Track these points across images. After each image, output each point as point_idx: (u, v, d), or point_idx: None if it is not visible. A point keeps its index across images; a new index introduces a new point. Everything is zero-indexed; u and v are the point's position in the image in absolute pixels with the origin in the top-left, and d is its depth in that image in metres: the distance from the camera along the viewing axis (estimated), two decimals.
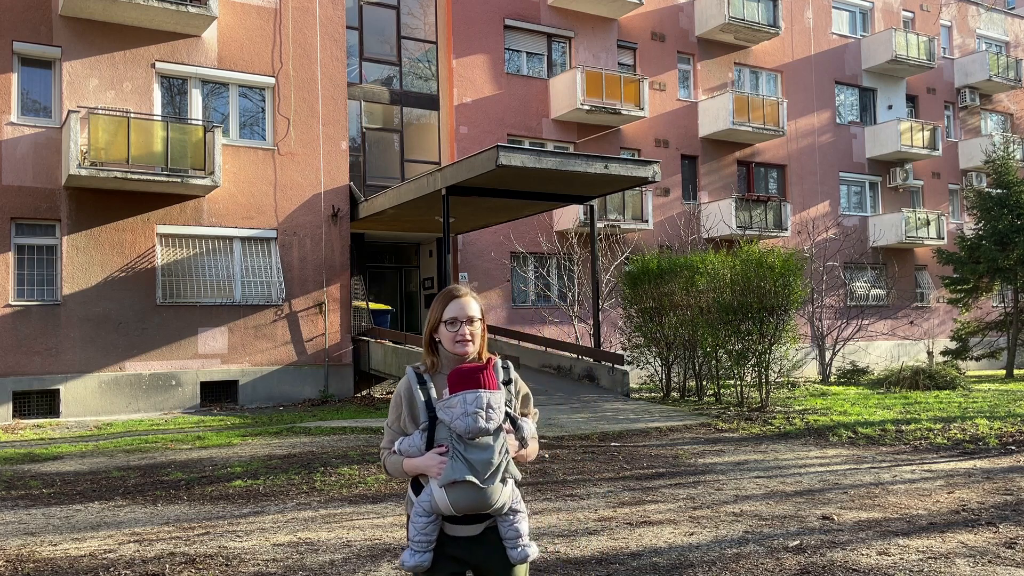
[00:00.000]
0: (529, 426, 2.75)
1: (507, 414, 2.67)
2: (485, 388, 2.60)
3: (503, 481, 2.63)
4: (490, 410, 2.59)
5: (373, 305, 19.19)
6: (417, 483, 2.72)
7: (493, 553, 2.69)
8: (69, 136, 14.70)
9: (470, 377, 2.61)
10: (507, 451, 2.63)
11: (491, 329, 18.25)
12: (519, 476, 2.70)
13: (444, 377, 2.69)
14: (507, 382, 2.74)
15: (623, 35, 23.23)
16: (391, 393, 18.70)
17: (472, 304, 2.74)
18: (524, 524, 2.71)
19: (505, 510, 2.67)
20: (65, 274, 15.47)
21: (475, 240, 20.57)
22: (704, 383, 16.47)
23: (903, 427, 11.49)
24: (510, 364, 2.80)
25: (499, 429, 2.62)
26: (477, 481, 2.56)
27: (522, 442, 2.71)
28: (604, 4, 22.17)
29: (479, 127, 20.89)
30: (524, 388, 2.84)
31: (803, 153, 26.26)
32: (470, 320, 2.72)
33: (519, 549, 2.68)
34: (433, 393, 2.69)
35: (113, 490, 8.19)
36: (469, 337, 2.71)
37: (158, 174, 15.32)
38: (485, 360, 2.74)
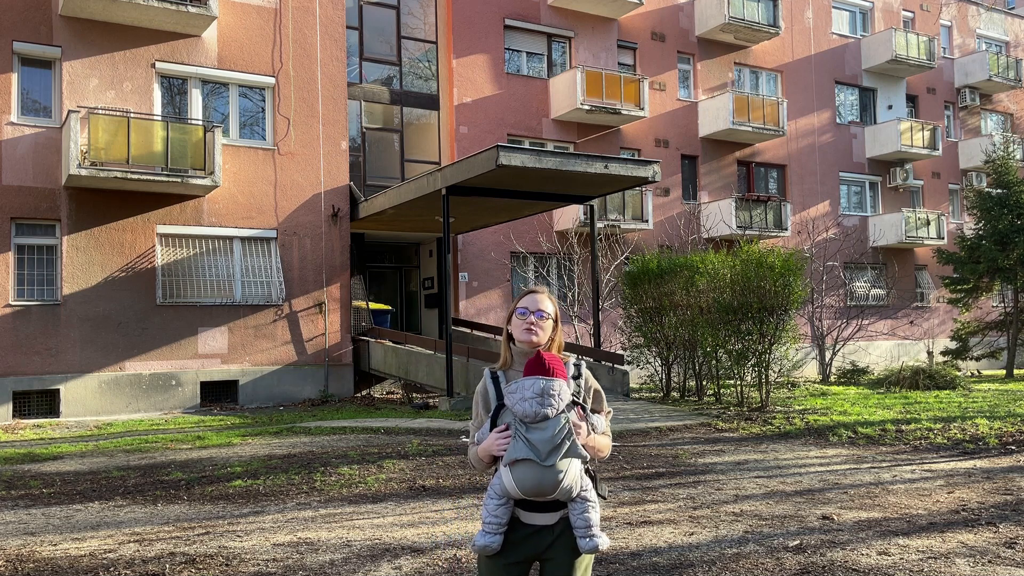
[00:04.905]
0: (600, 421, 2.87)
1: (574, 402, 2.78)
2: (549, 376, 2.74)
3: (566, 460, 2.70)
4: (548, 396, 2.71)
5: (373, 305, 19.18)
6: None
7: (562, 542, 2.77)
8: (69, 136, 14.70)
9: (536, 366, 2.77)
10: (569, 432, 2.72)
11: (492, 329, 18.25)
12: (587, 455, 2.76)
13: (514, 372, 2.86)
14: (576, 377, 2.86)
15: (623, 35, 23.23)
16: (391, 393, 18.73)
17: (545, 301, 2.92)
18: (594, 514, 2.77)
19: (573, 495, 2.74)
20: (65, 274, 15.47)
21: (475, 240, 20.56)
22: (704, 383, 16.47)
23: (903, 427, 11.49)
24: (582, 362, 2.94)
25: (560, 413, 2.73)
26: (537, 459, 2.67)
27: (592, 428, 2.80)
28: (604, 4, 22.17)
29: (479, 127, 20.89)
30: (595, 385, 2.93)
31: (803, 153, 26.26)
32: (540, 313, 2.85)
33: (588, 539, 2.74)
34: (503, 387, 2.83)
35: (113, 490, 8.20)
36: (537, 326, 2.85)
37: (158, 174, 15.32)
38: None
